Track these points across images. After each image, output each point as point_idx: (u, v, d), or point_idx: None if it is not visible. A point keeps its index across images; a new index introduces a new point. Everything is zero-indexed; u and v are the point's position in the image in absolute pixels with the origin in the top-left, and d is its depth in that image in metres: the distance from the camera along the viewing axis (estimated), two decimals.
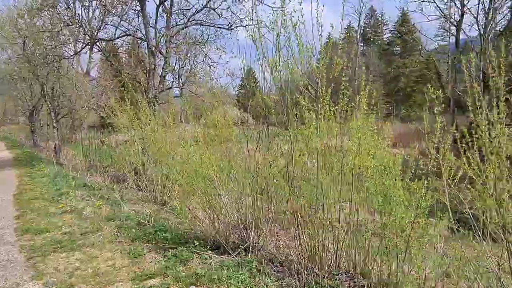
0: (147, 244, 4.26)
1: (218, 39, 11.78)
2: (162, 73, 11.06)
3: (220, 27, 11.37)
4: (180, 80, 11.04)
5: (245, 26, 11.47)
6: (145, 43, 11.43)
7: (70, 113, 19.14)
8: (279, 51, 4.00)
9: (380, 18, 48.33)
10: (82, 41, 10.82)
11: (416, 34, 39.57)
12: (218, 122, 5.56)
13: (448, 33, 44.46)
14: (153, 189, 7.67)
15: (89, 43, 10.66)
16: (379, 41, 48.30)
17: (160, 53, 11.12)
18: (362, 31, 50.99)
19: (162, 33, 11.03)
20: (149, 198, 7.54)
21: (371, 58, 40.98)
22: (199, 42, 11.68)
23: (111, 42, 11.22)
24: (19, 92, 22.80)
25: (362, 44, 50.88)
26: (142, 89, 10.99)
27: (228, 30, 11.37)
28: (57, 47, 10.97)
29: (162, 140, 7.30)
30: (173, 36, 11.25)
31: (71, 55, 11.50)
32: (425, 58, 38.00)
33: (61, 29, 10.19)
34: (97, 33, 10.68)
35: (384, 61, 41.26)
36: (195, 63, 11.02)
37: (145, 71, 11.12)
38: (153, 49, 10.82)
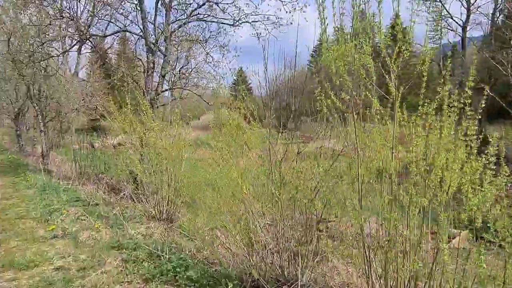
0: (166, 287, 3.29)
1: (220, 36, 10.82)
2: (161, 72, 10.06)
3: (224, 23, 10.42)
4: (182, 81, 10.02)
5: (251, 23, 10.57)
6: (141, 40, 10.43)
7: (58, 116, 17.91)
8: None
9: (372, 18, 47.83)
10: (72, 37, 9.73)
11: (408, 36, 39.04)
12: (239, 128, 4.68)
13: (440, 35, 44.32)
14: (156, 202, 6.66)
15: (80, 40, 9.59)
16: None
17: (159, 51, 10.12)
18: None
19: (162, 29, 10.03)
20: (152, 213, 6.54)
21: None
22: (200, 40, 10.70)
23: (104, 39, 10.13)
24: (4, 93, 21.39)
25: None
26: (140, 90, 9.96)
27: (233, 26, 10.44)
28: (45, 44, 9.85)
29: (168, 145, 6.32)
30: (173, 32, 10.26)
31: (60, 53, 10.38)
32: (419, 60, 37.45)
33: (50, 24, 9.09)
34: (89, 28, 9.60)
35: (377, 62, 40.70)
36: (196, 62, 10.02)
37: (142, 71, 10.10)
38: (152, 46, 9.81)
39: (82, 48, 37.07)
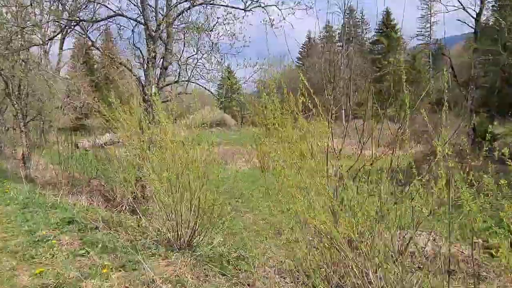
0: None
1: (228, 23, 9.36)
2: (163, 63, 8.55)
3: (235, 7, 8.97)
4: (188, 72, 8.54)
5: (264, 7, 9.16)
6: (139, 27, 8.89)
7: (40, 114, 16.03)
8: None
9: (360, 17, 47.03)
10: (58, 22, 8.11)
11: (399, 33, 38.50)
12: None
13: (429, 32, 43.75)
14: (173, 223, 5.20)
15: (68, 26, 7.98)
16: (359, 40, 47.00)
17: (160, 39, 8.61)
18: (342, 30, 49.54)
19: (163, 14, 8.52)
20: (166, 235, 5.08)
21: (352, 58, 39.43)
22: (206, 28, 9.21)
23: (96, 24, 8.53)
24: None
25: (341, 44, 49.42)
26: (139, 84, 8.44)
27: (244, 11, 8.99)
28: (25, 30, 8.21)
29: (189, 152, 4.87)
30: (177, 17, 8.76)
31: (43, 42, 8.75)
32: (411, 57, 36.87)
33: (31, 5, 7.49)
34: (79, 12, 8.01)
35: (368, 60, 39.86)
36: (205, 50, 8.53)
37: (141, 61, 8.56)
38: (153, 33, 8.29)
39: (65, 43, 34.94)
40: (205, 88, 8.89)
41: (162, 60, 8.57)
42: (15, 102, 13.20)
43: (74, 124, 35.26)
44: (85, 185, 10.37)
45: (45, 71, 12.87)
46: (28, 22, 8.22)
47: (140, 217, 8.12)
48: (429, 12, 42.35)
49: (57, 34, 8.87)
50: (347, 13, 48.90)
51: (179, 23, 8.90)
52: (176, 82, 8.40)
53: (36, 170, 13.51)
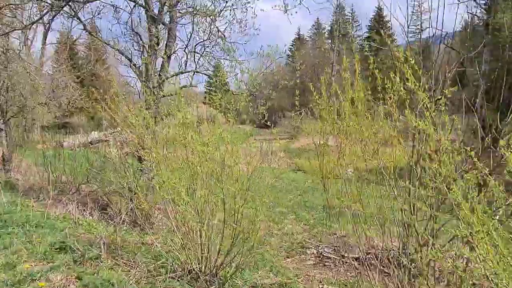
0: None
1: (236, 8, 8.16)
2: (165, 52, 7.32)
3: None
4: (195, 62, 7.31)
5: None
6: (137, 9, 7.63)
7: (22, 111, 14.45)
8: None
9: (351, 14, 46.28)
10: (43, 1, 6.77)
11: (391, 30, 37.84)
12: None
13: (420, 29, 43.23)
14: (198, 248, 4.02)
15: (56, 6, 6.66)
16: (349, 38, 46.20)
17: (163, 24, 7.37)
18: (331, 27, 48.72)
19: None
20: (190, 266, 3.90)
21: (342, 55, 38.60)
22: (212, 13, 7.99)
23: (88, 5, 7.19)
24: None
25: (331, 41, 48.59)
26: (139, 75, 7.20)
27: None
28: (2, 11, 6.85)
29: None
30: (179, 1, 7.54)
31: (25, 26, 7.40)
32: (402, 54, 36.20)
33: None
34: None
35: (360, 58, 38.99)
36: (214, 38, 7.31)
37: (141, 49, 7.30)
38: (155, 16, 7.06)
39: (48, 37, 32.99)
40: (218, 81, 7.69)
41: (165, 47, 7.33)
42: None
43: (58, 122, 33.38)
44: (74, 191, 9.07)
45: (28, 63, 11.39)
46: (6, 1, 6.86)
47: (140, 231, 6.92)
48: (419, 10, 41.82)
49: (43, 15, 7.51)
50: (337, 10, 48.16)
51: (183, 6, 7.66)
52: (182, 72, 7.18)
53: (17, 173, 12.06)
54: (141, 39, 7.21)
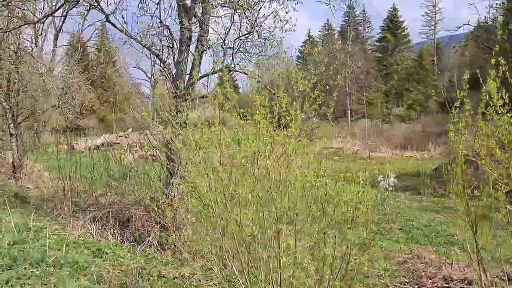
0: None
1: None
2: (197, 48, 6.27)
3: None
4: (233, 59, 6.25)
5: None
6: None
7: (33, 114, 13.45)
8: None
9: (363, 15, 45.06)
10: None
11: (406, 31, 36.69)
12: None
13: (434, 30, 41.99)
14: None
15: None
16: (361, 39, 45.05)
17: (194, 17, 6.33)
18: (341, 28, 47.53)
19: None
20: None
21: (354, 56, 37.41)
22: (250, 5, 6.88)
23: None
24: None
25: (341, 42, 47.36)
26: (168, 75, 6.17)
27: None
28: (13, 3, 5.86)
29: None
30: None
31: (39, 19, 6.41)
32: (417, 55, 35.06)
33: None
34: None
35: (373, 59, 37.85)
36: (257, 31, 6.22)
37: (169, 44, 6.26)
38: (188, 6, 6.03)
39: (58, 39, 32.20)
40: (259, 81, 6.64)
41: (196, 43, 6.28)
42: (3, 100, 10.78)
43: (70, 124, 32.50)
44: (91, 203, 8.05)
45: (41, 63, 10.43)
46: None
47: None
48: (433, 10, 40.64)
49: (59, 8, 6.48)
50: (349, 11, 46.97)
51: None
52: (220, 71, 6.11)
53: (29, 180, 11.10)
54: (170, 33, 6.17)
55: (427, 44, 40.02)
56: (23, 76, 11.25)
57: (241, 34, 5.96)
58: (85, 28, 39.65)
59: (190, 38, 6.05)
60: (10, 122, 10.87)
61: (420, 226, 7.34)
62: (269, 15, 6.11)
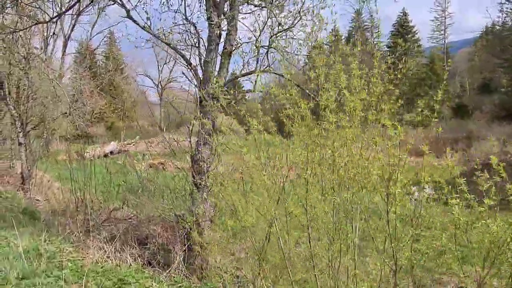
0: None
1: None
2: (225, 48, 5.56)
3: None
4: (268, 59, 5.52)
5: None
6: None
7: (43, 122, 12.77)
8: None
9: (370, 20, 44.36)
10: None
11: (417, 35, 36.00)
12: None
13: (444, 35, 41.18)
14: None
15: None
16: (368, 44, 44.25)
17: (223, 14, 5.64)
18: (349, 34, 46.83)
19: None
20: None
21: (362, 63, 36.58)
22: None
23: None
24: None
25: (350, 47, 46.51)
26: (194, 77, 5.47)
27: None
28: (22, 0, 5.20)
29: None
30: None
31: (52, 18, 5.76)
32: (428, 60, 34.27)
33: None
34: None
35: (382, 64, 37.00)
36: (297, 27, 5.48)
37: (195, 43, 5.57)
38: (218, 1, 5.34)
39: (67, 47, 31.82)
40: (296, 84, 5.92)
41: (225, 42, 5.58)
42: (12, 107, 10.16)
43: (79, 132, 31.97)
44: (105, 218, 7.35)
45: (51, 68, 9.81)
46: None
47: (199, 281, 5.23)
48: (443, 15, 39.89)
49: (73, 5, 5.81)
50: (356, 15, 46.34)
51: None
52: (251, 73, 5.39)
53: (38, 192, 10.43)
54: (196, 31, 5.49)
55: (436, 48, 39.26)
56: (33, 82, 10.65)
57: (280, 29, 5.22)
58: (93, 36, 39.38)
59: (219, 36, 5.36)
60: (19, 131, 10.24)
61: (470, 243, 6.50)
62: (307, 11, 5.37)
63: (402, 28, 35.91)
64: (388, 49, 36.98)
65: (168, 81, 54.72)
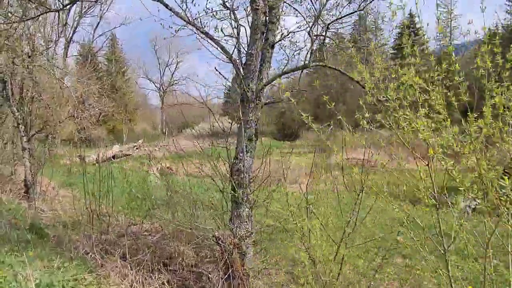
0: None
1: None
2: (267, 39, 4.68)
3: None
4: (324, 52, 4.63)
5: None
6: None
7: (47, 125, 11.79)
8: None
9: (374, 22, 43.66)
10: None
11: (424, 37, 35.16)
12: None
13: (450, 37, 40.48)
14: None
15: None
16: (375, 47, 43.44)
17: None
18: (351, 36, 46.12)
19: None
20: None
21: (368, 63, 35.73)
22: None
23: None
24: None
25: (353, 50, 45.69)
26: (236, 74, 4.59)
27: None
28: None
29: None
30: None
31: (65, 5, 4.89)
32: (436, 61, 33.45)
33: None
34: None
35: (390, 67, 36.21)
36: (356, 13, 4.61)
37: (234, 34, 4.69)
38: None
39: (69, 49, 30.92)
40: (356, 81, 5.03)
41: (266, 34, 4.70)
42: (15, 109, 9.23)
43: (80, 135, 30.97)
44: (121, 235, 6.42)
45: (57, 67, 8.91)
46: None
47: None
48: (449, 17, 39.26)
49: None
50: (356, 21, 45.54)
51: None
52: (305, 67, 4.50)
53: (43, 201, 9.48)
54: (236, 18, 4.60)
55: (448, 49, 38.50)
56: (38, 82, 9.75)
57: (339, 16, 4.33)
58: (95, 38, 38.51)
59: (266, 23, 4.48)
60: (23, 135, 9.32)
61: None
62: None
63: (409, 30, 35.11)
64: (393, 52, 36.24)
65: (169, 84, 53.92)
